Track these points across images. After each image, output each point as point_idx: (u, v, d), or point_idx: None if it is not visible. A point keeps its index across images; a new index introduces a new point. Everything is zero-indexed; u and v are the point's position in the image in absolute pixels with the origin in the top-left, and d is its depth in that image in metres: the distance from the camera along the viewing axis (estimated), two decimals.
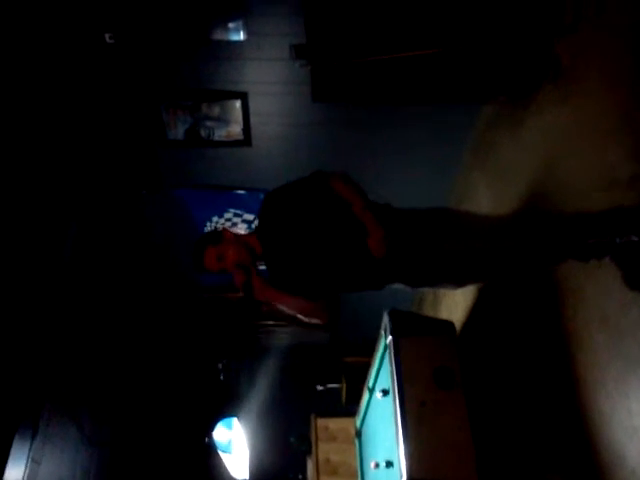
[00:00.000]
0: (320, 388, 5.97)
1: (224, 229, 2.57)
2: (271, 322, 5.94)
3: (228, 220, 4.74)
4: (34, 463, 3.64)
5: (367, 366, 3.79)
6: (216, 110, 3.96)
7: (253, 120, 3.99)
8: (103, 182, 4.37)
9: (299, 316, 2.50)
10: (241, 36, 3.47)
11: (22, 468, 3.53)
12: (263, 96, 3.85)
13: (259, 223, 2.59)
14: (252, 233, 2.60)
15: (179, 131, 4.07)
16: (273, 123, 4.03)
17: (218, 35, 3.47)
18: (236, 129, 4.05)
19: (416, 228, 2.40)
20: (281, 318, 5.55)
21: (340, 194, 2.40)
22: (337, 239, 2.38)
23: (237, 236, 2.52)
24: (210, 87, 3.83)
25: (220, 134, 4.09)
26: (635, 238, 2.18)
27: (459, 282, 2.55)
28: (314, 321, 2.51)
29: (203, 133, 4.08)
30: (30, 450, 3.62)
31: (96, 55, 3.55)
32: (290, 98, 3.84)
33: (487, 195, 3.82)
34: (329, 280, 2.46)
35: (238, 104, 3.90)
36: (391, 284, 2.47)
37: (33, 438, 3.66)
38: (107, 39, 3.46)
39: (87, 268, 4.50)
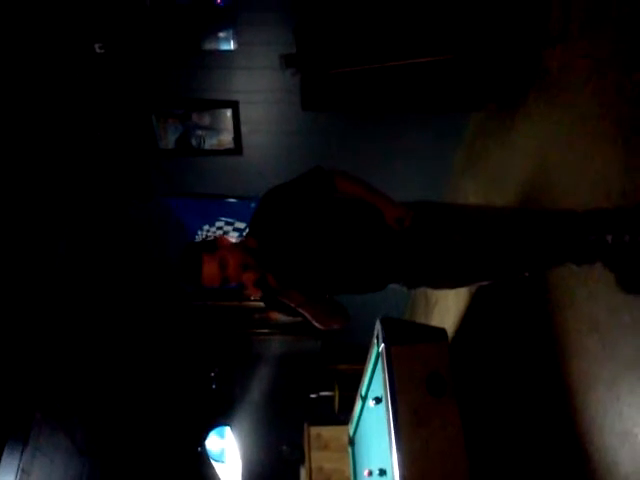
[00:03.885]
0: (313, 396, 5.96)
1: (217, 236, 2.34)
2: (264, 330, 5.94)
3: (219, 229, 4.74)
4: (24, 474, 3.62)
5: (359, 374, 3.79)
6: (207, 119, 3.97)
7: (244, 129, 4.00)
8: (93, 191, 4.36)
9: (314, 321, 2.38)
10: (231, 46, 3.49)
11: (12, 479, 3.51)
12: (254, 105, 3.86)
13: (255, 221, 2.39)
14: (246, 235, 2.41)
15: (170, 140, 4.07)
16: (264, 131, 4.04)
17: (208, 45, 3.49)
18: (227, 137, 4.06)
19: (426, 217, 2.35)
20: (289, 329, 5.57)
21: (347, 191, 2.32)
22: (342, 235, 2.30)
23: (234, 242, 2.32)
24: (201, 96, 3.84)
25: (211, 143, 4.09)
26: (627, 238, 2.16)
27: (458, 279, 2.50)
28: (335, 326, 2.41)
29: (194, 142, 4.08)
30: (20, 461, 3.60)
31: (86, 65, 3.55)
32: (280, 106, 3.86)
33: (477, 201, 3.84)
34: (333, 279, 2.36)
35: (229, 113, 3.91)
36: (392, 282, 2.41)
37: (23, 449, 3.64)
38: (97, 49, 3.46)
39: (78, 277, 4.49)
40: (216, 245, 2.25)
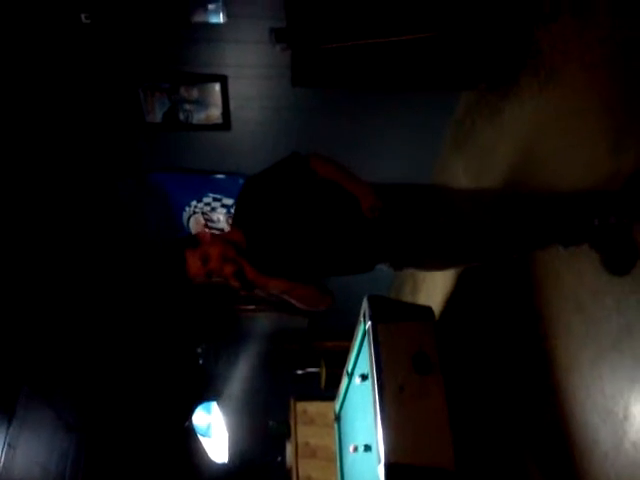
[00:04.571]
0: (299, 372, 5.99)
1: (198, 232, 2.42)
2: (251, 307, 5.93)
3: (207, 205, 4.70)
4: (10, 448, 3.62)
5: (346, 351, 3.81)
6: (195, 93, 3.91)
7: (233, 104, 3.95)
8: (79, 167, 4.30)
9: (299, 304, 2.44)
10: (221, 18, 3.42)
11: None
12: (243, 79, 3.81)
13: (238, 212, 2.47)
14: (231, 227, 2.49)
15: (157, 114, 4.01)
16: (253, 107, 3.99)
17: (197, 17, 3.42)
18: (215, 113, 4.01)
19: (399, 204, 2.42)
20: (276, 306, 5.56)
21: (324, 174, 2.39)
22: (326, 219, 2.36)
23: (214, 235, 2.38)
24: (189, 70, 3.78)
25: (199, 117, 4.04)
26: (613, 220, 2.18)
27: (445, 261, 2.54)
28: (321, 308, 2.46)
29: (181, 116, 4.03)
30: (6, 435, 3.60)
31: (71, 35, 3.47)
32: (270, 82, 3.81)
33: (466, 180, 3.84)
34: (320, 264, 2.41)
35: (217, 87, 3.85)
36: (378, 263, 2.45)
37: (10, 423, 3.64)
38: (83, 19, 3.39)
39: (62, 253, 4.45)
40: (197, 241, 2.31)
